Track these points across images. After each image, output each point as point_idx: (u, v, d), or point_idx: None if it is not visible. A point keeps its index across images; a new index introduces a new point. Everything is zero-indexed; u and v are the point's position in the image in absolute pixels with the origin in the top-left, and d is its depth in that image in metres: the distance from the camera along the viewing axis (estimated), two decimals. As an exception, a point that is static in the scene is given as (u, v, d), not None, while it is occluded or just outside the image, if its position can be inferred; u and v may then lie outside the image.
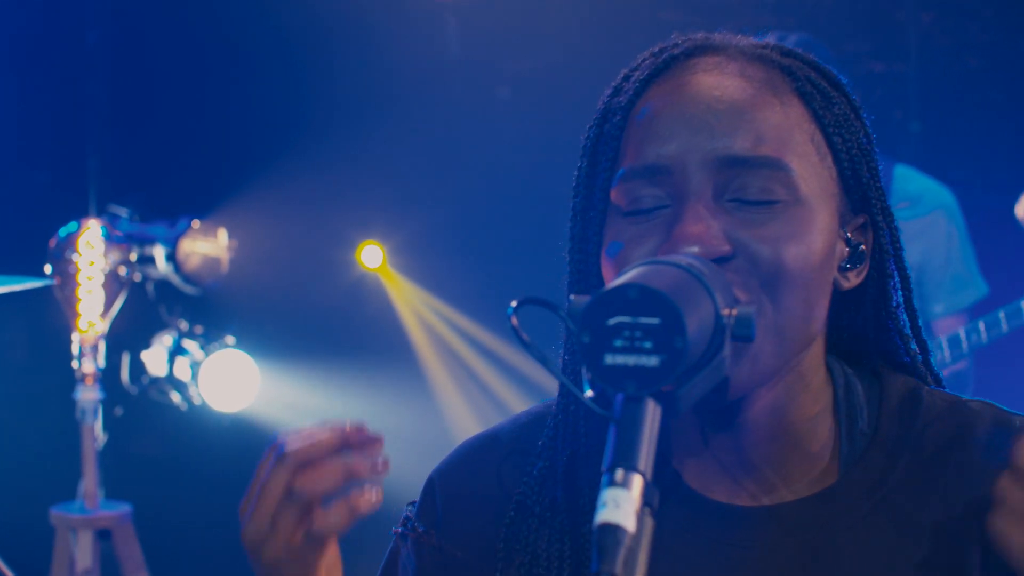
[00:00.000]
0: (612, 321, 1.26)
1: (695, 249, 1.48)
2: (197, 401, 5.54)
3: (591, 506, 1.60)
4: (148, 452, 6.09)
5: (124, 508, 5.08)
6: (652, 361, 1.23)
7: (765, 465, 1.62)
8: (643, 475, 1.20)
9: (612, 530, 1.17)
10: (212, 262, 5.44)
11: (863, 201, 1.65)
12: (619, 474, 1.20)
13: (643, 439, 1.22)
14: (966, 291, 4.67)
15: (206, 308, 5.72)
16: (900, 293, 1.71)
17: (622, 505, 1.18)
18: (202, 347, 5.52)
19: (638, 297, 1.25)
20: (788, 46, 1.69)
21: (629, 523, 1.17)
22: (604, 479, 1.21)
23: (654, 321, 1.24)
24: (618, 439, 1.23)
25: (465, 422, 6.46)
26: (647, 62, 1.68)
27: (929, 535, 1.58)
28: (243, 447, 6.09)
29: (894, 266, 1.69)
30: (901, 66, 5.01)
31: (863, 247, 1.66)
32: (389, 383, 6.35)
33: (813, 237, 1.54)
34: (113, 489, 5.19)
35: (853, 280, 1.65)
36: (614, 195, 1.60)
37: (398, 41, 6.24)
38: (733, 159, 1.54)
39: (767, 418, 1.60)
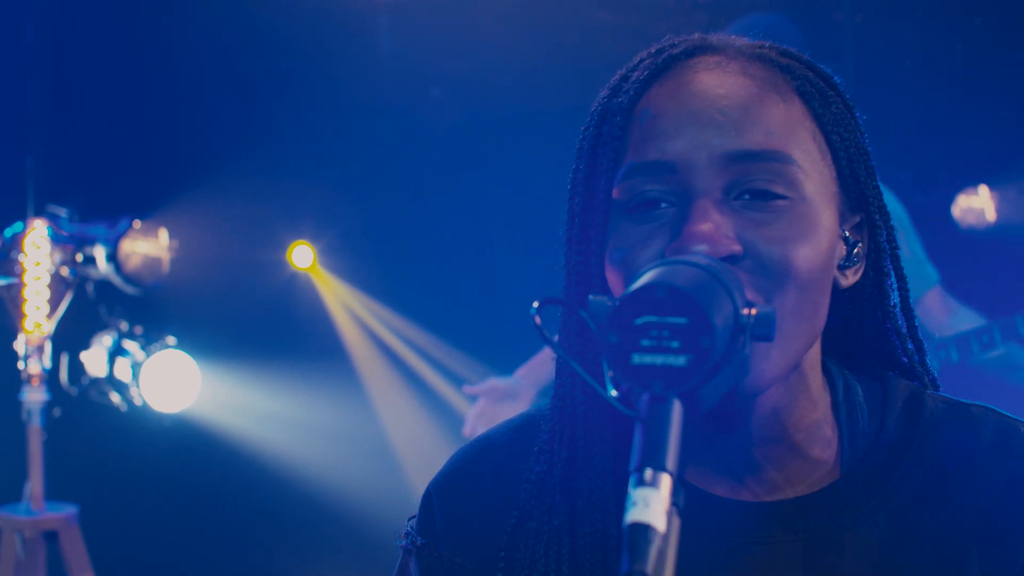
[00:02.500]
0: (640, 321, 1.26)
1: (705, 247, 1.48)
2: (138, 402, 5.51)
3: (590, 509, 1.63)
4: (89, 453, 6.03)
5: (71, 510, 5.05)
6: (680, 361, 1.24)
7: (767, 464, 1.64)
8: (671, 474, 1.20)
9: (643, 530, 1.17)
10: (153, 262, 5.42)
11: (860, 200, 1.66)
12: (648, 474, 1.20)
13: (671, 438, 1.22)
14: (916, 282, 4.77)
15: (147, 308, 5.69)
16: (897, 293, 1.72)
17: (652, 504, 1.18)
18: (143, 347, 5.49)
19: (666, 297, 1.26)
20: (781, 43, 1.70)
21: (659, 522, 1.17)
22: (632, 479, 1.20)
23: (681, 321, 1.25)
24: (645, 438, 1.23)
25: (399, 420, 6.49)
26: (646, 62, 1.67)
27: (930, 536, 1.60)
28: (184, 448, 6.08)
29: (891, 265, 1.71)
30: (836, 66, 5.11)
31: (860, 246, 1.67)
32: (324, 382, 6.36)
33: (820, 237, 1.55)
34: (53, 490, 5.15)
35: (851, 279, 1.66)
36: (616, 194, 1.60)
37: (331, 41, 6.24)
38: (743, 154, 1.54)
39: (769, 417, 1.61)
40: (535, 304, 1.41)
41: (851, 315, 1.72)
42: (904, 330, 1.74)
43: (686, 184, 1.54)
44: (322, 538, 6.27)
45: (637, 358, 1.25)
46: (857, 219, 1.67)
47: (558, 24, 6.19)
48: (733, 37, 1.68)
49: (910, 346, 1.75)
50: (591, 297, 1.35)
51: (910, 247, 4.66)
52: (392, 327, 6.54)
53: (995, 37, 5.31)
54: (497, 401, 4.74)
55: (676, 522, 1.19)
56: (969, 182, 5.16)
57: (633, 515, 1.17)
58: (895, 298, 1.72)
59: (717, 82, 1.59)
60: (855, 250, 1.66)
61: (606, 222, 1.62)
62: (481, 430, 4.54)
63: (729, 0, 5.88)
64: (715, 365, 1.26)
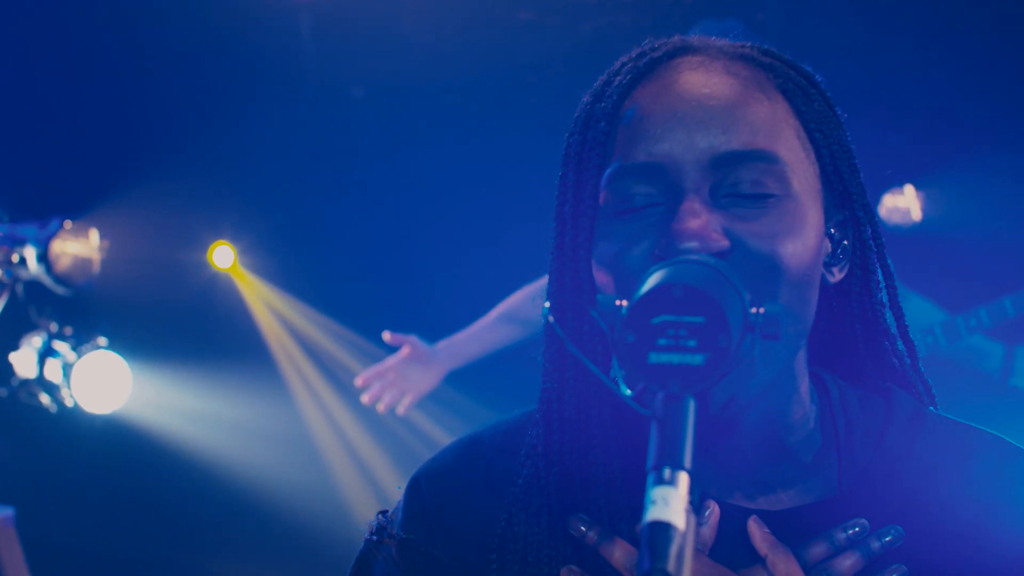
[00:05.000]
0: (657, 320, 1.26)
1: (694, 244, 1.50)
2: (69, 403, 5.47)
3: (581, 508, 1.64)
4: (21, 455, 5.98)
5: (7, 511, 5.01)
6: (697, 360, 1.24)
7: (759, 465, 1.65)
8: (689, 473, 1.20)
9: (663, 528, 1.16)
10: (83, 263, 5.38)
11: (844, 196, 1.68)
12: (667, 472, 1.20)
13: (687, 437, 1.22)
14: None
15: (77, 309, 5.66)
16: (884, 292, 1.74)
17: (671, 503, 1.18)
18: (73, 348, 5.45)
19: (683, 296, 1.26)
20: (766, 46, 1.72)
21: (679, 520, 1.17)
22: (650, 477, 1.20)
23: (699, 320, 1.25)
24: (662, 437, 1.23)
25: (323, 417, 6.51)
26: (628, 66, 1.68)
27: (927, 550, 1.61)
28: (116, 448, 6.05)
29: (877, 262, 1.72)
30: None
31: (845, 243, 1.69)
32: (250, 381, 6.37)
33: (807, 233, 1.56)
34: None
35: (837, 276, 1.68)
36: (604, 196, 1.60)
37: (252, 42, 6.23)
38: (729, 154, 1.54)
39: (760, 419, 1.62)
40: (546, 304, 1.46)
41: (840, 314, 1.72)
42: (894, 329, 1.74)
43: (674, 183, 1.55)
44: (252, 535, 6.28)
45: (654, 357, 1.26)
46: (842, 216, 1.68)
47: (479, 24, 6.22)
48: (712, 38, 1.70)
49: (901, 347, 1.76)
50: (599, 296, 1.35)
51: None
52: (314, 324, 6.56)
53: (917, 36, 5.45)
54: (410, 361, 4.62)
55: (693, 520, 1.19)
56: (895, 182, 5.28)
57: (653, 513, 1.17)
58: (883, 296, 1.72)
59: (702, 82, 1.60)
60: (841, 247, 1.68)
61: (594, 226, 1.62)
62: (376, 382, 4.50)
63: (652, 2, 5.97)
64: (731, 364, 1.26)
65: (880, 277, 1.73)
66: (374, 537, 1.79)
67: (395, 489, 6.25)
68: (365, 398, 4.66)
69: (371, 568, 1.77)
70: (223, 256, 6.44)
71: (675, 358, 1.25)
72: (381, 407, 4.63)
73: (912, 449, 1.67)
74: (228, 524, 6.24)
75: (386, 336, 4.68)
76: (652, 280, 1.33)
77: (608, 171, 1.60)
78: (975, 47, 5.42)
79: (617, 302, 1.32)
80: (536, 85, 6.28)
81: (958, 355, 4.66)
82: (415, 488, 1.78)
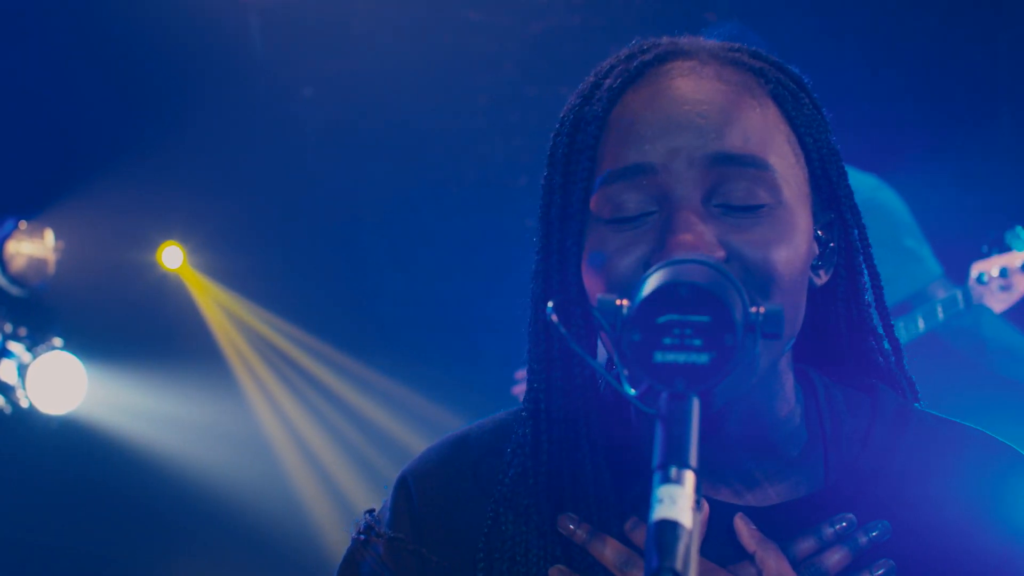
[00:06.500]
0: (662, 319, 1.26)
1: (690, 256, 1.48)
2: (24, 404, 5.46)
3: (570, 506, 1.65)
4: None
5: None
6: (702, 359, 1.24)
7: (745, 461, 1.66)
8: (695, 471, 1.20)
9: (671, 527, 1.16)
10: (38, 263, 5.38)
11: (832, 199, 1.68)
12: (673, 471, 1.19)
13: (692, 436, 1.21)
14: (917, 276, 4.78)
15: (32, 309, 5.63)
16: (871, 291, 1.74)
17: (678, 501, 1.17)
18: (28, 349, 5.44)
19: (689, 295, 1.26)
20: (755, 48, 1.72)
21: (686, 519, 1.16)
22: (657, 476, 1.19)
23: (704, 319, 1.25)
24: (668, 436, 1.22)
25: (275, 416, 6.53)
26: (618, 69, 1.66)
27: (911, 546, 1.62)
28: (72, 449, 6.02)
29: (863, 264, 1.72)
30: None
31: (832, 245, 1.69)
32: (204, 381, 6.36)
33: (798, 240, 1.56)
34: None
35: (824, 278, 1.68)
36: (594, 202, 1.59)
37: (202, 41, 6.20)
38: (723, 157, 1.54)
39: (746, 417, 1.63)
40: (550, 304, 1.43)
41: (826, 315, 1.73)
42: (880, 330, 1.76)
43: (666, 189, 1.55)
44: (207, 534, 6.27)
45: (660, 356, 1.25)
46: (828, 218, 1.68)
47: (429, 24, 6.23)
48: (702, 40, 1.69)
49: (886, 346, 1.77)
50: (600, 296, 1.34)
51: (909, 242, 4.71)
52: (264, 324, 6.57)
53: (866, 37, 5.54)
54: None
55: (699, 518, 1.19)
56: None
57: (660, 512, 1.17)
58: (869, 297, 1.73)
59: (694, 87, 1.59)
60: (828, 249, 1.68)
61: (583, 230, 1.62)
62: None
63: (602, 3, 6.02)
64: (735, 363, 1.25)
65: (866, 278, 1.73)
66: (362, 536, 1.76)
67: (348, 486, 6.31)
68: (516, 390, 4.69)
69: (359, 567, 1.75)
70: (172, 256, 6.42)
71: (680, 357, 1.24)
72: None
73: (898, 445, 1.68)
74: (183, 524, 6.23)
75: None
76: (656, 279, 1.32)
77: (600, 178, 1.59)
78: (913, 49, 5.52)
79: (618, 302, 1.32)
80: (486, 85, 6.32)
81: (952, 334, 4.66)
82: (402, 487, 1.76)
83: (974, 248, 4.56)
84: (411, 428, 6.24)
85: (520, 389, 4.76)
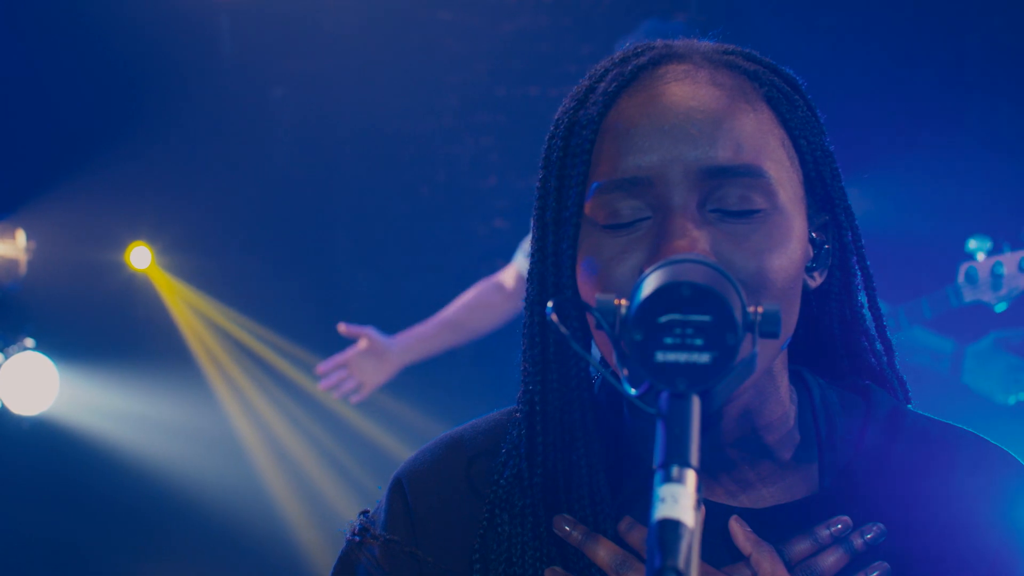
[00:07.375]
0: (663, 319, 1.25)
1: None
2: (-5, 404, 5.46)
3: (565, 508, 1.65)
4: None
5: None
6: (703, 358, 1.23)
7: (740, 463, 1.66)
8: (696, 470, 1.20)
9: (673, 526, 1.16)
10: (10, 263, 5.38)
11: (826, 201, 1.68)
12: (675, 470, 1.19)
13: (693, 435, 1.21)
14: None
15: (4, 310, 5.62)
16: (864, 293, 1.75)
17: (680, 500, 1.17)
18: (0, 350, 5.44)
19: (690, 295, 1.25)
20: (748, 49, 1.71)
21: (688, 518, 1.16)
22: (658, 475, 1.19)
23: (705, 319, 1.24)
24: (669, 435, 1.21)
25: (244, 415, 6.53)
26: (612, 72, 1.66)
27: (908, 547, 1.63)
28: (44, 450, 6.02)
29: (857, 265, 1.72)
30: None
31: (826, 247, 1.69)
32: (173, 381, 6.36)
33: (792, 245, 1.57)
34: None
35: (818, 279, 1.69)
36: (589, 208, 1.59)
37: (172, 41, 6.19)
38: (716, 169, 1.54)
39: (740, 419, 1.64)
40: (550, 304, 1.43)
41: (820, 316, 1.74)
42: (873, 331, 1.77)
43: (662, 198, 1.55)
44: (179, 533, 6.27)
45: (661, 356, 1.24)
46: (823, 220, 1.69)
47: (399, 24, 6.24)
48: (696, 42, 1.69)
49: (879, 347, 1.78)
50: (599, 296, 1.33)
51: None
52: (233, 324, 6.58)
53: (839, 36, 5.57)
54: (366, 353, 4.74)
55: (700, 517, 1.18)
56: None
57: (662, 511, 1.17)
58: (862, 298, 1.74)
59: (689, 93, 1.59)
60: (823, 250, 1.69)
61: (578, 234, 1.62)
62: (334, 372, 4.61)
63: (572, 2, 6.05)
64: (735, 363, 1.25)
65: (860, 279, 1.74)
66: (356, 538, 1.76)
67: (319, 484, 6.32)
68: (321, 386, 4.77)
69: (354, 569, 1.76)
70: (140, 257, 6.41)
71: (682, 356, 1.24)
72: (336, 395, 4.76)
73: (892, 447, 1.69)
74: (155, 523, 6.23)
75: (341, 328, 4.76)
76: (656, 279, 1.31)
77: (595, 185, 1.59)
78: (897, 45, 5.54)
79: (616, 301, 1.32)
80: (456, 85, 6.34)
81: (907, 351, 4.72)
82: (397, 488, 1.76)
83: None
84: (380, 427, 6.26)
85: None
